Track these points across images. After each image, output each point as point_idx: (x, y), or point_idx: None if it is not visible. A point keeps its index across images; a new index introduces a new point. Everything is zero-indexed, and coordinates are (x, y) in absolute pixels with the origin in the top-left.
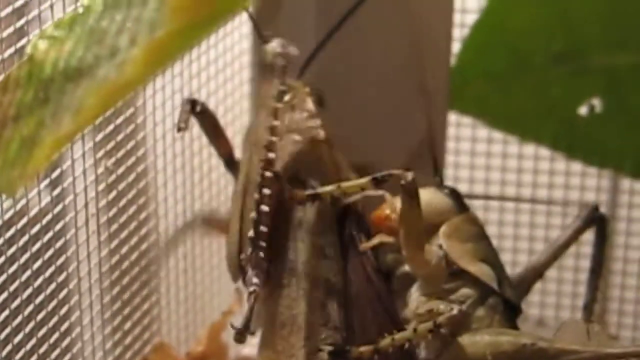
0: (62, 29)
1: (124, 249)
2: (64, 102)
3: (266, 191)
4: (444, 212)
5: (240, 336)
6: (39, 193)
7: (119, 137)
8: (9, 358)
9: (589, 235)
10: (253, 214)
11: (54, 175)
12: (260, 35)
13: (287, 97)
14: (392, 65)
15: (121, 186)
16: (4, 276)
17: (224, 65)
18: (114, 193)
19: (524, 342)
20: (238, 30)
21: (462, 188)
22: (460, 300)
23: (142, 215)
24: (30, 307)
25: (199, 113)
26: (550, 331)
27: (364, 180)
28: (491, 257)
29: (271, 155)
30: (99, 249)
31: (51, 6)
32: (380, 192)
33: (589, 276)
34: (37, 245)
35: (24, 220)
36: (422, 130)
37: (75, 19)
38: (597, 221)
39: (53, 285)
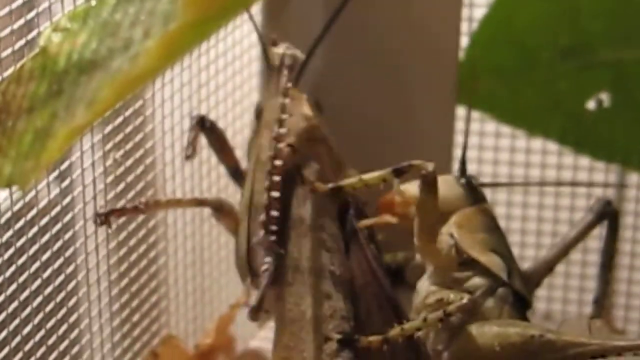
0: (75, 22)
1: (132, 241)
2: (78, 94)
3: (278, 170)
4: (457, 201)
5: (255, 314)
6: (47, 185)
7: (128, 130)
8: (18, 349)
9: (596, 230)
10: (264, 198)
11: (63, 167)
12: (261, 37)
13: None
14: (398, 62)
15: (129, 178)
16: (13, 267)
17: (232, 58)
18: (122, 185)
19: (532, 334)
20: (247, 24)
21: None
22: (469, 290)
23: None
24: (39, 299)
25: (208, 129)
26: (556, 325)
27: (384, 172)
28: (502, 248)
29: (283, 130)
30: (107, 240)
31: None
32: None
33: (599, 270)
34: (46, 236)
35: (33, 211)
36: (425, 130)
37: (89, 11)
38: (609, 216)
39: (62, 277)
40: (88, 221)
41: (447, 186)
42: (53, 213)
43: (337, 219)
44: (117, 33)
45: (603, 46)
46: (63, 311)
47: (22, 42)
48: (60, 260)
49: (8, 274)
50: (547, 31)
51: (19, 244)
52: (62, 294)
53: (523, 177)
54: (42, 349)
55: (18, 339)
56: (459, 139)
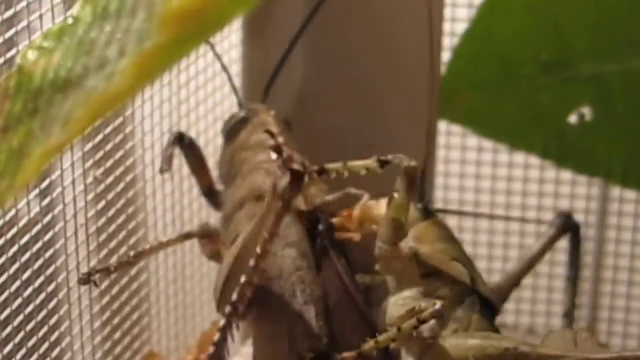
0: (51, 40)
1: (114, 259)
2: (53, 113)
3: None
4: (412, 219)
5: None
6: (28, 203)
7: (108, 147)
8: None
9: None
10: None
11: (44, 185)
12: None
13: (252, 122)
14: (377, 78)
15: (110, 196)
16: None
17: (213, 75)
18: (103, 203)
19: (506, 347)
20: (228, 40)
21: (453, 196)
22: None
23: (132, 225)
24: (20, 318)
25: (186, 146)
26: (540, 338)
27: (369, 161)
28: (462, 256)
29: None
30: (89, 258)
31: (40, 17)
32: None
33: (566, 284)
34: (27, 255)
35: (14, 230)
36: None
37: (65, 29)
38: (571, 229)
39: (43, 296)
40: (69, 239)
41: None
42: (34, 232)
43: (307, 236)
44: (92, 52)
45: (585, 60)
46: (45, 330)
47: (1, 61)
48: (42, 279)
49: None
50: (529, 45)
51: None
52: (44, 312)
53: (505, 191)
54: None
55: None
56: (441, 153)
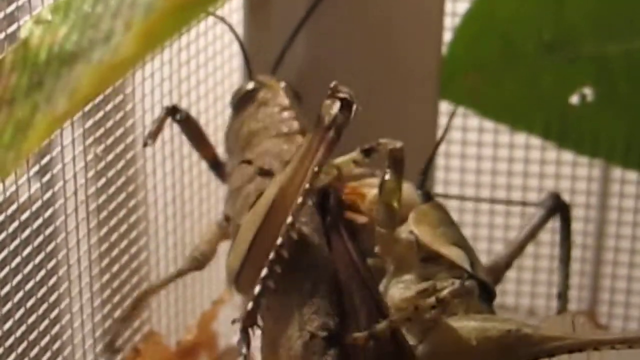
0: (57, 14)
1: (114, 237)
2: (59, 85)
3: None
4: (412, 202)
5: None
6: (28, 180)
7: (109, 124)
8: None
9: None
10: (272, 254)
11: (43, 162)
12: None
13: (261, 94)
14: (380, 58)
15: (110, 173)
16: None
17: (213, 54)
18: (103, 180)
19: (508, 328)
20: (228, 18)
21: (454, 177)
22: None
23: (132, 203)
24: (20, 294)
25: (181, 120)
26: (539, 322)
27: (354, 154)
28: (461, 241)
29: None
30: (89, 236)
31: None
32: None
33: (558, 265)
34: (27, 232)
35: (14, 206)
36: (408, 126)
37: (70, 3)
38: (560, 209)
39: (42, 272)
40: (69, 216)
41: (403, 190)
42: (34, 208)
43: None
44: (98, 25)
45: (586, 40)
46: (44, 307)
47: (1, 35)
48: (41, 256)
49: None
50: (530, 25)
51: None
52: (44, 290)
53: (506, 172)
54: (24, 345)
55: None
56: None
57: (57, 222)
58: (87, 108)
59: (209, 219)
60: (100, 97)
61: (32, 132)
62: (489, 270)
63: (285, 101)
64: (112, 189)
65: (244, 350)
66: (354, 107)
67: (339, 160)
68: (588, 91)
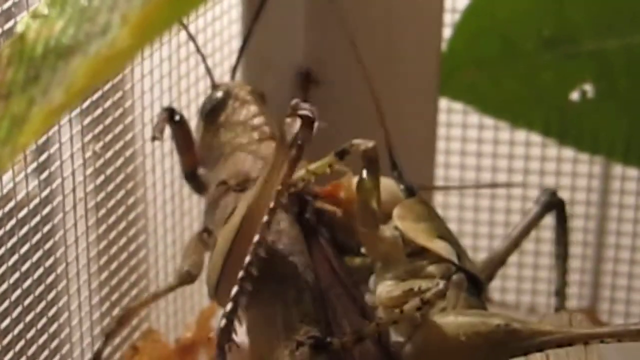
0: (53, 8)
1: (112, 234)
2: (55, 79)
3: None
4: (395, 197)
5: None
6: (26, 177)
7: (107, 121)
8: None
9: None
10: (241, 273)
11: (41, 159)
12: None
13: (230, 102)
14: (379, 54)
15: (109, 170)
16: None
17: (212, 50)
18: (102, 177)
19: (497, 323)
20: (227, 15)
21: (454, 174)
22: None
23: (131, 200)
24: (18, 292)
25: (176, 123)
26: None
27: (328, 158)
28: (447, 233)
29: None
30: (87, 233)
31: None
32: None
33: (555, 262)
34: (25, 229)
35: (12, 204)
36: (407, 122)
37: None
38: (556, 206)
39: (40, 270)
40: (67, 213)
41: (385, 187)
42: (32, 205)
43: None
44: (95, 18)
45: (586, 36)
46: (42, 304)
47: None
48: (39, 253)
49: None
50: (530, 22)
51: None
52: (42, 287)
53: (506, 168)
54: (21, 343)
55: None
56: (442, 131)
57: (56, 219)
58: (85, 105)
59: None
60: (99, 93)
61: (28, 126)
62: (482, 267)
63: (255, 107)
64: (110, 186)
65: None
66: (315, 124)
67: (313, 166)
68: (588, 87)
